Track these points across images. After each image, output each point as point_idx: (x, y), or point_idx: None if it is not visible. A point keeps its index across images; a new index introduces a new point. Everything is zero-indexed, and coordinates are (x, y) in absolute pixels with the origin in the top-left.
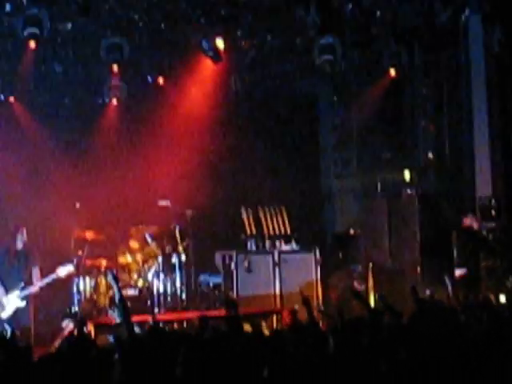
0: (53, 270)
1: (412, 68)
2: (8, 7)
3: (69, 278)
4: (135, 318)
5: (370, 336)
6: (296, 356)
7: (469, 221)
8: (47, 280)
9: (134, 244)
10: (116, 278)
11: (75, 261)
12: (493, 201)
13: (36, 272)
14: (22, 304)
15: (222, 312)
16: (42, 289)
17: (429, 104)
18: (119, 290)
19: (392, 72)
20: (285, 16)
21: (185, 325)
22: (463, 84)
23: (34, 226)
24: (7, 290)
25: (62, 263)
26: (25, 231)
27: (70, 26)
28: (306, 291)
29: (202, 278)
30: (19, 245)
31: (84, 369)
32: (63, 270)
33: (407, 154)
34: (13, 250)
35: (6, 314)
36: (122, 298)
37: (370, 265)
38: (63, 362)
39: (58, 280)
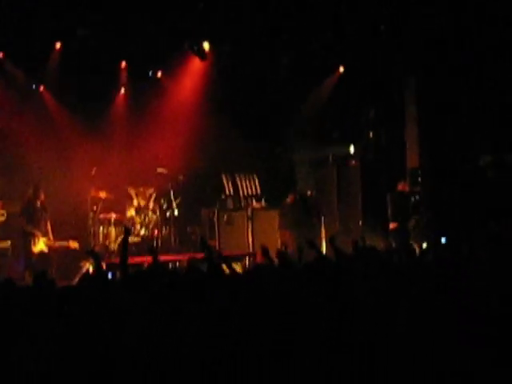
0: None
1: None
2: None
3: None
4: (138, 259)
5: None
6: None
7: (401, 186)
8: (60, 244)
9: (137, 201)
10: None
11: (91, 215)
12: (419, 171)
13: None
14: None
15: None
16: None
17: (370, 94)
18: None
19: (341, 69)
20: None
21: (177, 264)
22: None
23: (59, 188)
24: None
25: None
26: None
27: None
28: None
29: (188, 229)
30: (38, 203)
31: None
32: (72, 244)
33: (352, 133)
34: (34, 207)
35: None
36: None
37: (322, 219)
38: (84, 292)
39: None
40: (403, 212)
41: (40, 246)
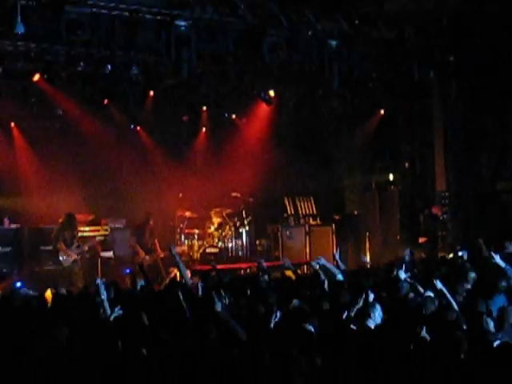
0: (167, 242)
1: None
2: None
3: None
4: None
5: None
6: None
7: (435, 209)
8: (166, 253)
9: (216, 219)
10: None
11: (178, 231)
12: (446, 194)
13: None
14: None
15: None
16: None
17: (406, 132)
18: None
19: (381, 112)
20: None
21: (248, 270)
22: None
23: (154, 209)
24: None
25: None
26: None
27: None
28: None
29: (257, 242)
30: (147, 227)
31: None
32: (178, 249)
33: (392, 164)
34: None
35: None
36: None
37: (367, 234)
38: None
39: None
40: (433, 229)
41: (145, 260)
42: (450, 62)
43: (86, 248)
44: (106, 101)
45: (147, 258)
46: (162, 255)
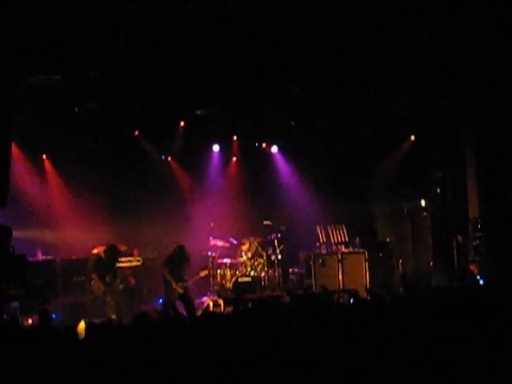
0: (197, 272)
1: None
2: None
3: (206, 278)
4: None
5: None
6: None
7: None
8: (194, 279)
9: (247, 248)
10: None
11: (210, 260)
12: (479, 220)
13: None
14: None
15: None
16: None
17: (437, 158)
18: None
19: (412, 137)
20: None
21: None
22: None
23: (186, 238)
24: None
25: (201, 268)
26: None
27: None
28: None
29: (290, 270)
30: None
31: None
32: (202, 273)
33: (423, 190)
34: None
35: None
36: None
37: (400, 261)
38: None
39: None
40: (466, 255)
41: (177, 291)
42: (479, 88)
43: (119, 280)
44: (136, 132)
45: (179, 288)
46: (189, 284)
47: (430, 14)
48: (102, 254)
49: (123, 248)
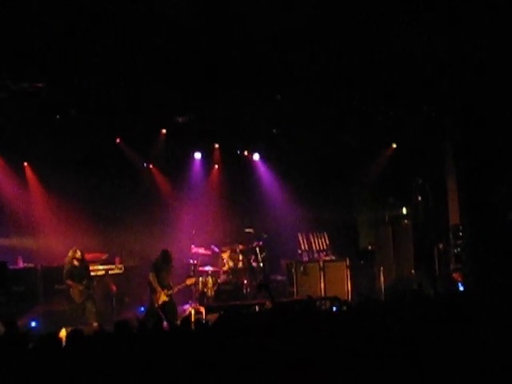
0: (183, 280)
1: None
2: None
3: (191, 285)
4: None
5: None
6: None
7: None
8: (180, 286)
9: (229, 256)
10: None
11: (192, 268)
12: (460, 227)
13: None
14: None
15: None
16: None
17: (418, 165)
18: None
19: (393, 145)
20: None
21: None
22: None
23: (167, 246)
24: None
25: (187, 276)
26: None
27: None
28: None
29: (272, 278)
30: (163, 264)
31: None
32: (189, 281)
33: (404, 198)
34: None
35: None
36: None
37: (381, 268)
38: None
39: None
40: (447, 263)
41: (162, 298)
42: (459, 97)
43: (95, 284)
44: (118, 139)
45: (164, 295)
46: (175, 291)
47: (410, 17)
48: (75, 262)
49: (104, 256)
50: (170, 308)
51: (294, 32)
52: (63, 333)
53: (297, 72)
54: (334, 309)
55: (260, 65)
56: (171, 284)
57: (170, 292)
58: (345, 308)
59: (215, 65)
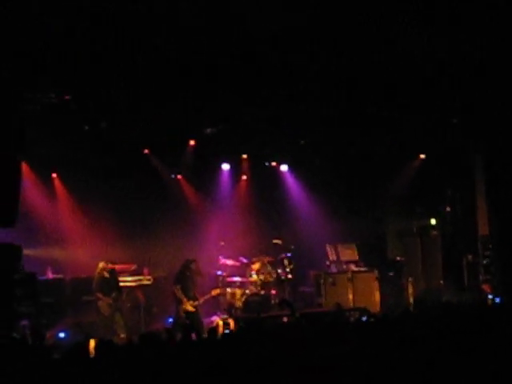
0: (209, 291)
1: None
2: None
3: (217, 296)
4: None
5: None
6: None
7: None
8: (206, 297)
9: (257, 267)
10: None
11: (220, 279)
12: (489, 238)
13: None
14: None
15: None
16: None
17: (447, 176)
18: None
19: (421, 156)
20: None
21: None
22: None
23: (198, 259)
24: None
25: (213, 287)
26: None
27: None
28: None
29: (300, 289)
30: (188, 273)
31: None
32: (214, 292)
33: (433, 208)
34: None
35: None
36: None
37: (410, 280)
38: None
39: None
40: (476, 274)
41: (188, 308)
42: (489, 106)
43: (125, 296)
44: (146, 150)
45: (190, 306)
46: (201, 302)
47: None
48: (105, 273)
49: (132, 267)
50: (195, 319)
51: (324, 41)
52: (92, 344)
53: (326, 83)
54: (364, 318)
55: (289, 76)
56: (197, 295)
57: (195, 303)
58: (373, 320)
59: (246, 77)
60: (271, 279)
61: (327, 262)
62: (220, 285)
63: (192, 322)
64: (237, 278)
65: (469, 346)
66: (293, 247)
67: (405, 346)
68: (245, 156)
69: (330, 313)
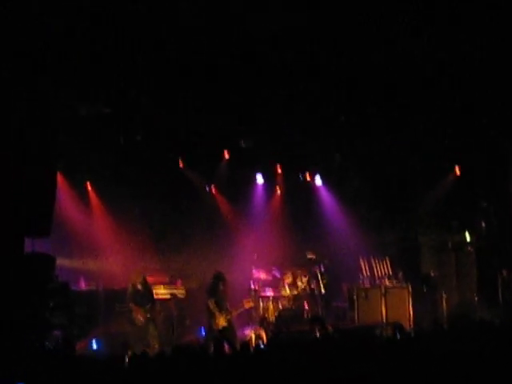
0: (241, 303)
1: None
2: None
3: (250, 309)
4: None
5: None
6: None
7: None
8: (239, 310)
9: (290, 281)
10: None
11: (253, 293)
12: None
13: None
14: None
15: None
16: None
17: (482, 190)
18: None
19: (457, 168)
20: None
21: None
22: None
23: (229, 270)
24: None
25: (245, 298)
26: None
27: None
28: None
29: (333, 303)
30: (221, 286)
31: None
32: (247, 304)
33: (468, 222)
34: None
35: None
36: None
37: (444, 295)
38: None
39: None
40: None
41: (220, 321)
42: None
43: (158, 308)
44: (180, 162)
45: (223, 320)
46: (234, 315)
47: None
48: (139, 286)
49: (166, 278)
50: (229, 333)
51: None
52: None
53: (362, 96)
54: (398, 336)
55: (323, 89)
56: (229, 308)
57: (228, 317)
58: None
59: (280, 88)
60: (304, 293)
61: (360, 276)
62: (252, 298)
63: (225, 335)
64: (269, 292)
65: (502, 365)
66: (326, 261)
67: (437, 362)
68: (279, 169)
69: (362, 328)
